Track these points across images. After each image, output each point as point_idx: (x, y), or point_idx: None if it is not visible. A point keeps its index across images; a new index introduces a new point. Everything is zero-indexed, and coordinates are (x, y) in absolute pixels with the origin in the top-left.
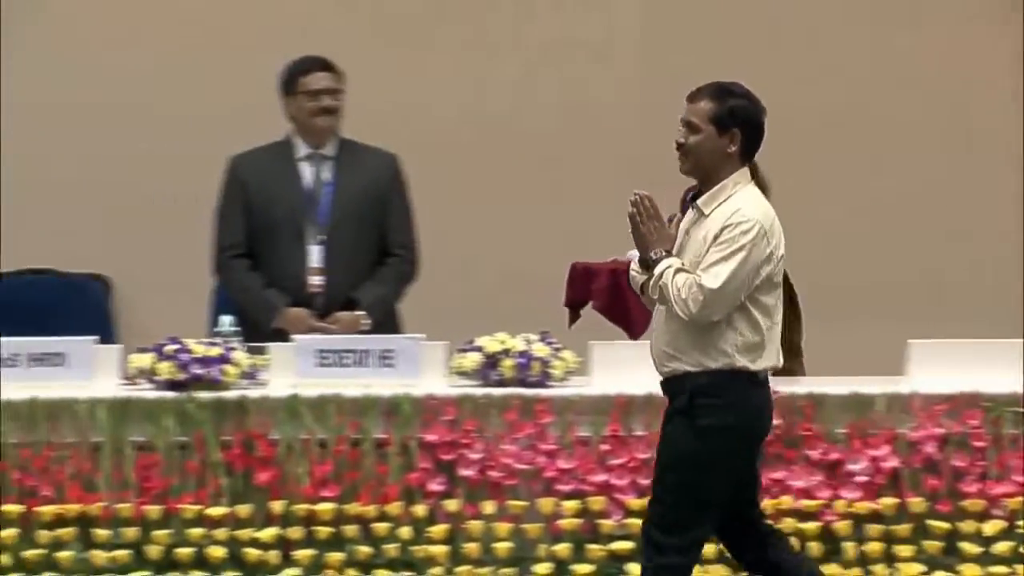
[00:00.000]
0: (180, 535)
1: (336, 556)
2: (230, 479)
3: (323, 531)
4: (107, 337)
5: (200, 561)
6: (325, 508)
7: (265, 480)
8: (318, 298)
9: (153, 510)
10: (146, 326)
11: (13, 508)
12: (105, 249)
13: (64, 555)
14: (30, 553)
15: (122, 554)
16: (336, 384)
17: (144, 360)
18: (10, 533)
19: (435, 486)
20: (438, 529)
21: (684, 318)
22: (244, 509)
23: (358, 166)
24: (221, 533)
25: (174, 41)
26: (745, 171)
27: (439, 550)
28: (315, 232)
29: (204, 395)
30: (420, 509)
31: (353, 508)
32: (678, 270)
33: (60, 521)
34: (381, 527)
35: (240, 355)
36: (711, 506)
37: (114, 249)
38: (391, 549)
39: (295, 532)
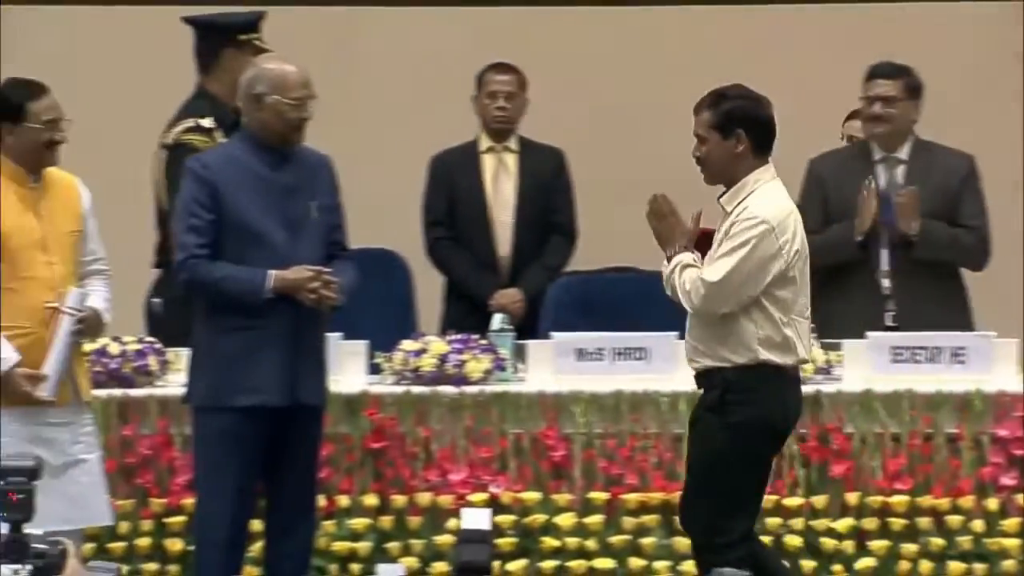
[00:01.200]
0: (759, 524)
1: (910, 548)
2: (806, 470)
3: (897, 523)
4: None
5: (777, 549)
6: (899, 500)
7: (840, 472)
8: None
9: None
10: None
11: (599, 495)
12: None
13: (647, 541)
14: (615, 538)
15: None
16: (909, 380)
17: None
18: (596, 519)
19: (1007, 480)
20: (1011, 522)
21: (690, 310)
22: (820, 500)
23: (930, 168)
24: (798, 523)
25: (744, 45)
26: (767, 167)
27: (1012, 543)
28: (888, 234)
29: None
30: (992, 503)
31: (926, 501)
32: (687, 266)
33: (644, 508)
34: (954, 520)
35: (817, 352)
36: (748, 501)
37: None
38: (964, 541)
39: (870, 523)
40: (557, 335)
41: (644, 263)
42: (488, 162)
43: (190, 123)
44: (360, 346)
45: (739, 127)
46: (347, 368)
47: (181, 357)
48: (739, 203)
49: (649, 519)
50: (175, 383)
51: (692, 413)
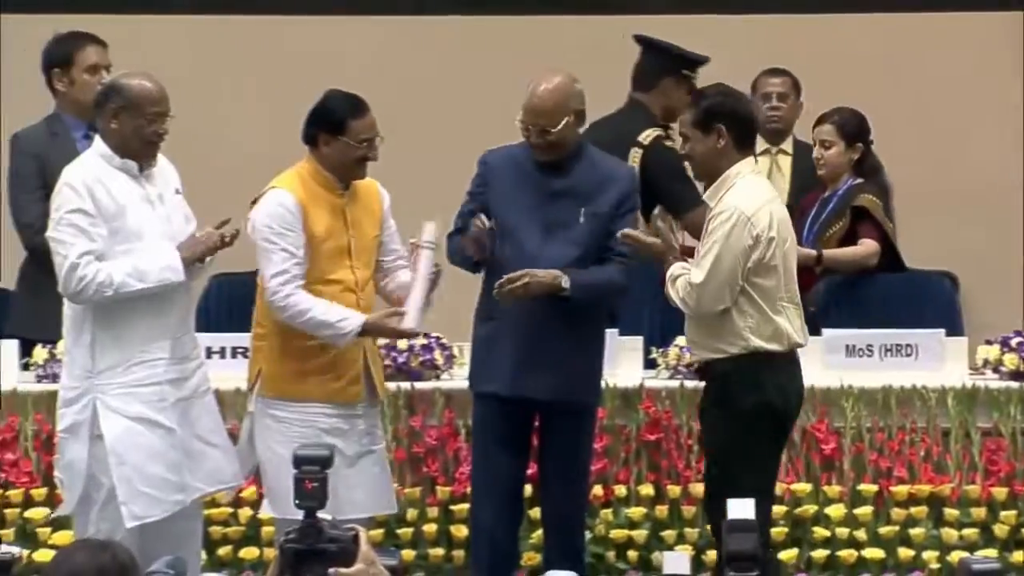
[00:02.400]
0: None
1: None
2: None
3: None
4: (955, 330)
5: None
6: None
7: None
8: None
9: (1000, 492)
10: (991, 320)
11: (869, 487)
12: (952, 248)
13: (916, 532)
14: (885, 529)
15: (970, 532)
16: None
17: (990, 352)
18: (866, 510)
19: None
20: None
21: (690, 315)
22: None
23: None
24: None
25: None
26: (747, 161)
27: None
28: None
29: None
30: None
31: None
32: (678, 277)
33: (912, 500)
34: None
35: None
36: (762, 489)
37: (961, 248)
38: None
39: None
40: (827, 332)
41: (913, 263)
42: (763, 163)
43: (660, 131)
44: (637, 342)
45: (719, 123)
46: (624, 363)
47: (465, 352)
48: (719, 199)
49: (917, 510)
50: (460, 376)
51: (699, 405)
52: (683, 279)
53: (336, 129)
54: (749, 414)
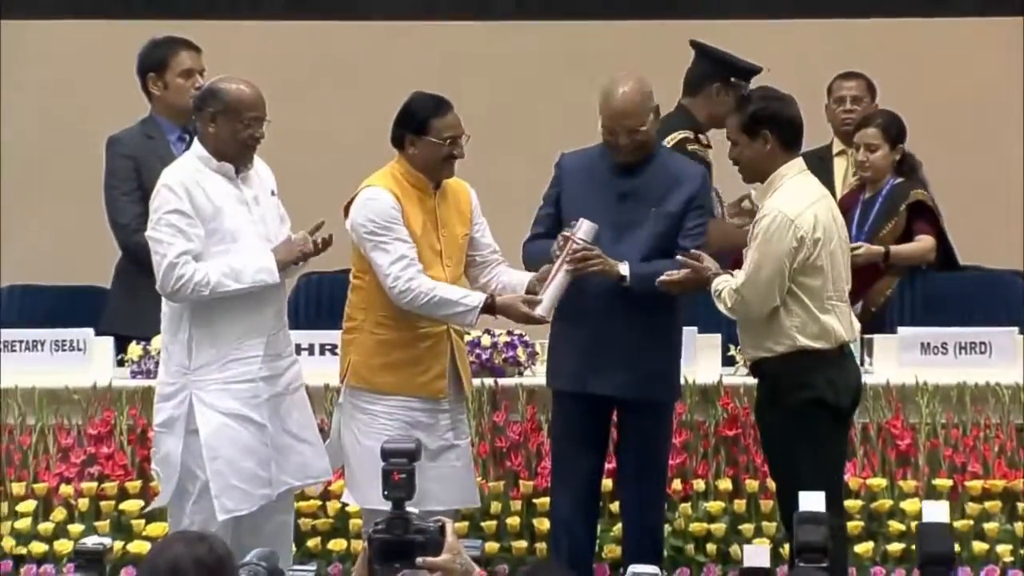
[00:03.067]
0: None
1: None
2: None
3: None
4: None
5: None
6: None
7: None
8: None
9: None
10: None
11: (943, 482)
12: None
13: (990, 526)
14: (959, 523)
15: None
16: None
17: None
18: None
19: None
20: None
21: (740, 320)
22: None
23: None
24: None
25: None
26: (794, 162)
27: None
28: None
29: None
30: None
31: None
32: (721, 290)
33: (986, 495)
34: None
35: None
36: (824, 483)
37: None
38: None
39: None
40: (903, 330)
41: (986, 261)
42: (839, 164)
43: (687, 134)
44: (715, 339)
45: (764, 127)
46: (702, 359)
47: (546, 349)
48: (765, 201)
49: (992, 505)
50: (542, 373)
51: (755, 404)
52: (727, 288)
53: (420, 129)
54: (800, 411)
